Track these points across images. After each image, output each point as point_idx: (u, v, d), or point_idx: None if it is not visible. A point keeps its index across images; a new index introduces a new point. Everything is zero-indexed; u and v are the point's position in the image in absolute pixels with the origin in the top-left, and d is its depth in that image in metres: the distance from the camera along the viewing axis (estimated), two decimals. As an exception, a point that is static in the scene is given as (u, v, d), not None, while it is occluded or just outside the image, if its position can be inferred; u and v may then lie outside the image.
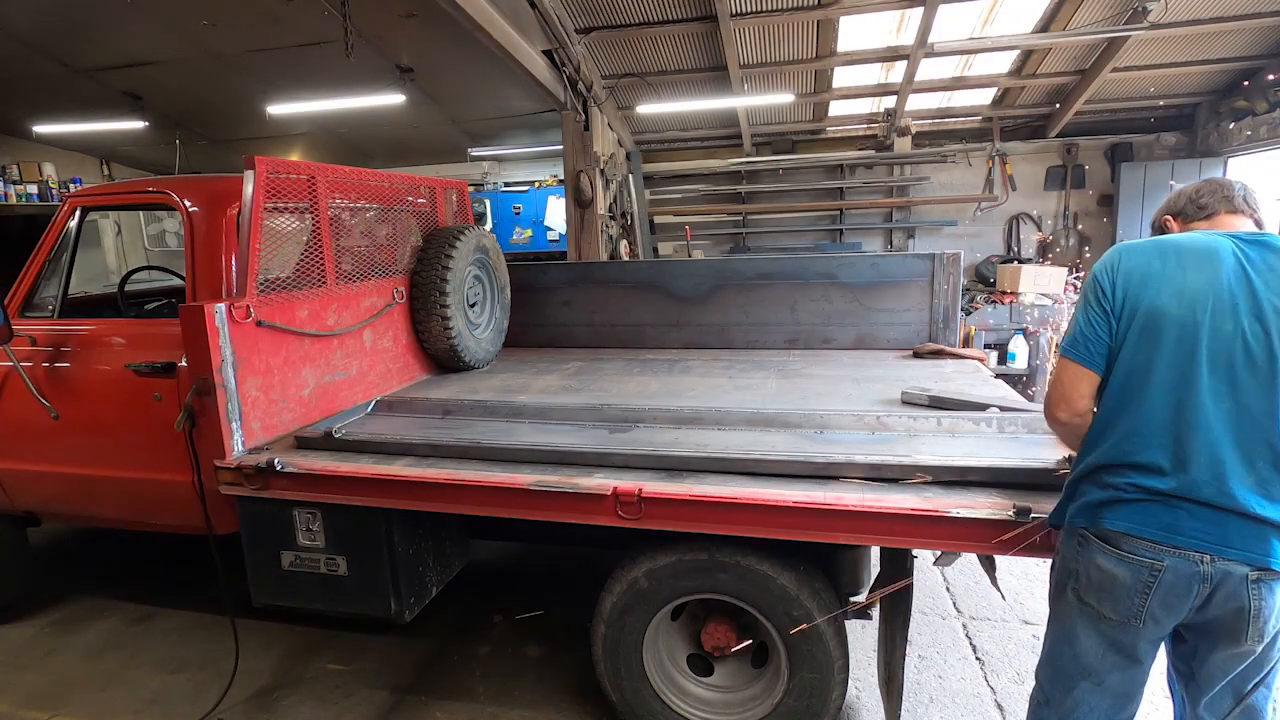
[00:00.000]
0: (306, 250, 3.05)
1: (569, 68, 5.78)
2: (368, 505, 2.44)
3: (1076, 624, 1.68)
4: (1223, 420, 1.49)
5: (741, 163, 7.88)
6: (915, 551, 2.31)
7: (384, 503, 2.42)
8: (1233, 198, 1.71)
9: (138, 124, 7.69)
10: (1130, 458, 1.55)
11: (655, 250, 8.07)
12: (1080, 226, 7.33)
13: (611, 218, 7.17)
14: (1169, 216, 1.82)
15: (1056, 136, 7.20)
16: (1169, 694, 1.87)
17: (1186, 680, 1.71)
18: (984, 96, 7.16)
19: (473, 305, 3.85)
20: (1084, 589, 1.63)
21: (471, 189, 7.24)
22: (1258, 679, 1.61)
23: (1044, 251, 7.35)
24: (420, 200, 3.82)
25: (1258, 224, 1.70)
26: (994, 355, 6.05)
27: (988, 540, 1.95)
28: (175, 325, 2.59)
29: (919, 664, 3.03)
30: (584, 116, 6.35)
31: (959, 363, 3.67)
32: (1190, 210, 1.77)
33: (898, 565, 2.27)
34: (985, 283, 7.10)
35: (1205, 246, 1.57)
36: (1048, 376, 6.07)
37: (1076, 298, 6.07)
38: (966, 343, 5.67)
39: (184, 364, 2.66)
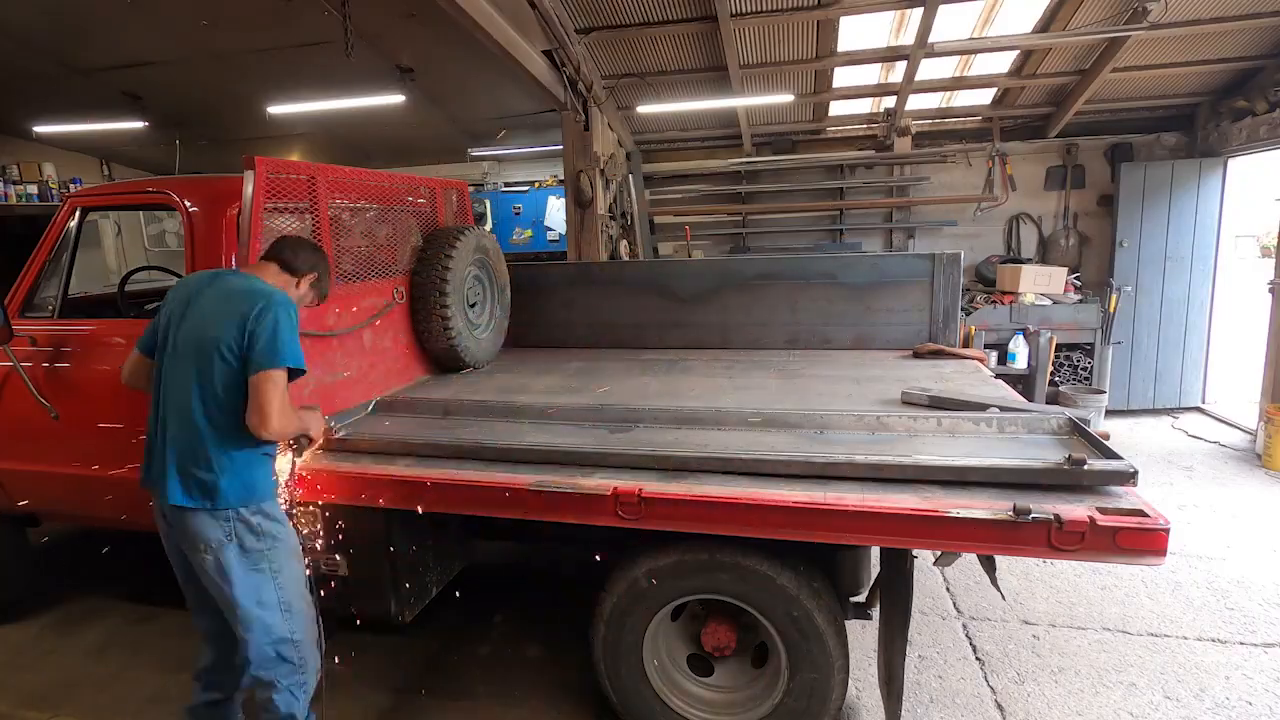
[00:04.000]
0: (306, 250, 3.04)
1: (569, 68, 5.78)
2: (368, 505, 2.44)
3: None
4: (166, 401, 2.13)
5: (741, 163, 7.87)
6: (915, 551, 2.31)
7: (384, 503, 2.42)
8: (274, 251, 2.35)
9: (138, 124, 7.67)
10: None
11: (655, 250, 8.05)
12: (1080, 226, 7.33)
13: (611, 218, 7.16)
14: None
15: (1056, 136, 7.19)
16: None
17: None
18: (984, 96, 7.15)
19: (473, 305, 3.85)
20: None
21: (471, 189, 7.23)
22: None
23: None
24: (420, 200, 3.82)
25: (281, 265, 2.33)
26: (994, 355, 6.05)
27: (987, 540, 1.95)
28: (175, 325, 2.58)
29: (919, 664, 3.03)
30: (584, 116, 6.35)
31: (959, 363, 3.67)
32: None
33: (897, 565, 2.27)
34: (985, 283, 7.09)
35: (188, 280, 2.26)
36: (1047, 376, 6.08)
37: (1076, 298, 6.03)
38: (966, 343, 5.66)
39: (184, 364, 2.66)
